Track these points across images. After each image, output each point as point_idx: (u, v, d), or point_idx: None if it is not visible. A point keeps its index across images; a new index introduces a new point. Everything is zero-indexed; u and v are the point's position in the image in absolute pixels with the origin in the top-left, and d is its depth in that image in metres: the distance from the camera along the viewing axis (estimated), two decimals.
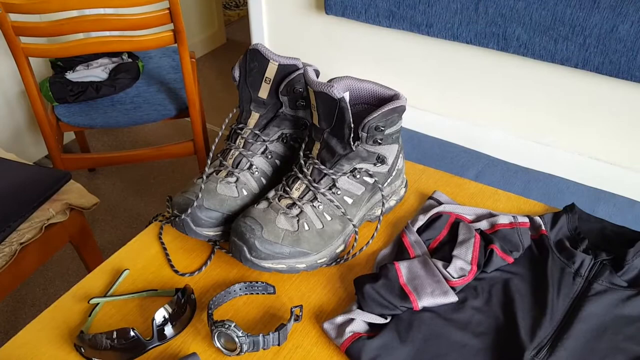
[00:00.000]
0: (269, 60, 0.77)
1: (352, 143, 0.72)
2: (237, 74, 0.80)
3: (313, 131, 0.76)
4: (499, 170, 1.19)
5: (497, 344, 0.66)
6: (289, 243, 0.71)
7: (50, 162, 2.17)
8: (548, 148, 1.32)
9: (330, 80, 0.75)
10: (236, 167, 0.80)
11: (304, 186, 0.74)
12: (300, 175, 0.75)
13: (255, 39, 1.64)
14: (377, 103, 0.77)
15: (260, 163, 0.81)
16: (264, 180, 0.81)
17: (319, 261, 0.74)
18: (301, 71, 0.78)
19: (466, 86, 1.37)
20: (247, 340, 0.63)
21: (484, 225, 0.80)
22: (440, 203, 0.85)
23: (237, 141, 0.81)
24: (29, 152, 2.18)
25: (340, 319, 0.68)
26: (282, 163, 0.83)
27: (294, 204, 0.74)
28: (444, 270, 0.70)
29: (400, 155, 0.81)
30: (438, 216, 0.81)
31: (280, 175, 0.83)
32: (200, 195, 0.76)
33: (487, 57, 1.30)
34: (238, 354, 0.64)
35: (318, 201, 0.74)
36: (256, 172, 0.80)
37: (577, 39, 1.11)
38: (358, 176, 0.75)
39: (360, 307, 0.68)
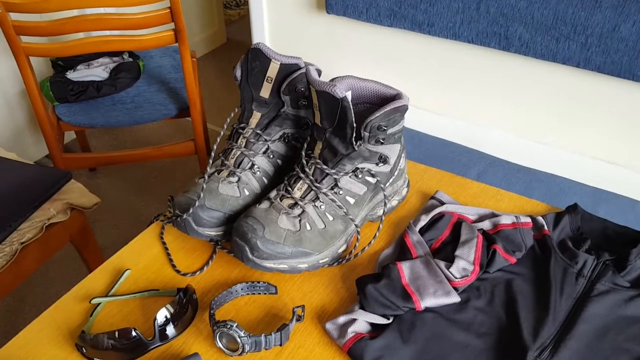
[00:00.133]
0: (270, 60, 0.77)
1: (354, 143, 0.72)
2: (238, 73, 0.80)
3: (315, 131, 0.76)
4: (500, 170, 1.19)
5: (500, 344, 0.65)
6: (291, 243, 0.71)
7: (50, 162, 2.17)
8: (550, 148, 1.32)
9: (332, 80, 0.75)
10: (238, 167, 0.80)
11: (305, 186, 0.74)
12: (302, 175, 0.75)
13: (256, 39, 1.64)
14: (380, 102, 0.77)
15: (262, 163, 0.80)
16: (265, 180, 0.81)
17: (321, 261, 0.74)
18: (303, 70, 0.78)
19: (468, 85, 1.37)
20: (249, 340, 0.63)
21: (486, 225, 0.79)
22: (442, 203, 0.85)
23: (239, 141, 0.81)
24: (30, 152, 2.18)
25: (342, 319, 0.67)
26: (283, 163, 0.83)
27: (295, 203, 0.73)
28: (446, 271, 0.70)
29: (403, 155, 0.81)
30: (440, 216, 0.80)
31: (282, 175, 0.83)
32: (202, 195, 0.76)
33: (489, 57, 1.30)
34: (240, 354, 0.64)
35: (320, 201, 0.73)
36: (258, 172, 0.80)
37: (579, 39, 1.11)
38: (360, 176, 0.75)
39: (362, 308, 0.68)
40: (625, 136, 1.22)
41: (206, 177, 0.78)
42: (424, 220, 0.80)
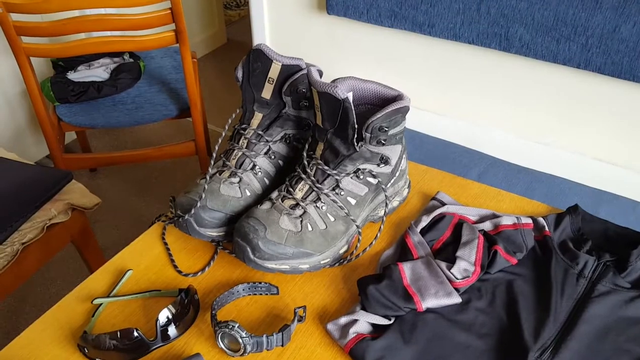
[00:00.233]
0: (272, 61, 0.77)
1: (355, 144, 0.72)
2: (240, 74, 0.80)
3: (316, 132, 0.76)
4: (501, 171, 1.19)
5: (501, 345, 0.65)
6: (293, 244, 0.71)
7: (51, 162, 2.17)
8: (550, 148, 1.32)
9: (333, 81, 0.75)
10: (239, 168, 0.80)
11: (307, 187, 0.74)
12: (303, 176, 0.75)
13: (256, 39, 1.64)
14: (381, 103, 0.77)
15: (264, 163, 0.81)
16: (267, 181, 0.81)
17: (322, 262, 0.74)
18: (304, 71, 0.78)
19: (468, 86, 1.37)
20: (250, 340, 0.63)
21: (487, 226, 0.79)
22: (443, 204, 0.85)
23: (240, 142, 0.81)
24: (31, 152, 2.18)
25: (343, 319, 0.67)
26: (285, 164, 0.83)
27: (297, 204, 0.73)
28: (447, 271, 0.70)
29: (404, 155, 0.81)
30: (441, 217, 0.80)
31: (284, 175, 0.83)
32: (203, 196, 0.76)
33: (489, 58, 1.30)
34: (242, 355, 0.64)
35: (321, 202, 0.73)
36: (259, 173, 0.80)
37: (580, 40, 1.11)
38: (361, 177, 0.75)
39: (363, 308, 0.68)
40: (625, 137, 1.22)
41: (208, 177, 0.78)
42: (425, 221, 0.80)
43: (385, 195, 0.78)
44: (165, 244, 0.81)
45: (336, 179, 0.74)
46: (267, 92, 0.79)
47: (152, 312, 0.71)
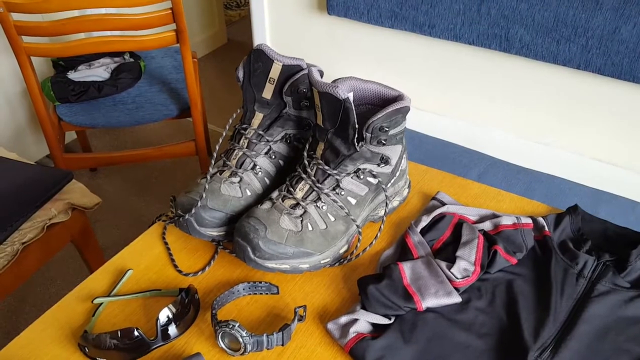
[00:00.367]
0: (273, 61, 0.77)
1: (356, 143, 0.72)
2: (241, 74, 0.80)
3: (317, 131, 0.76)
4: (501, 171, 1.19)
5: (501, 344, 0.66)
6: (293, 243, 0.71)
7: (51, 162, 2.17)
8: (550, 149, 1.32)
9: (334, 81, 0.75)
10: (240, 168, 0.80)
11: (307, 186, 0.75)
12: (304, 176, 0.75)
13: (257, 40, 1.64)
14: (381, 104, 0.77)
15: (264, 163, 0.81)
16: (267, 181, 0.81)
17: (322, 261, 0.74)
18: (305, 72, 0.78)
19: (468, 87, 1.37)
20: (251, 340, 0.63)
21: (487, 226, 0.80)
22: (443, 204, 0.85)
23: (241, 141, 0.81)
24: (31, 152, 2.18)
25: (344, 319, 0.68)
26: (285, 163, 0.83)
27: (297, 204, 0.74)
28: (447, 271, 0.70)
29: (404, 155, 0.81)
30: (441, 217, 0.81)
31: (284, 175, 0.83)
32: (204, 195, 0.76)
33: (490, 58, 1.30)
34: (242, 354, 0.64)
35: (322, 201, 0.74)
36: (260, 173, 0.80)
37: (580, 41, 1.11)
38: (362, 177, 0.75)
39: (364, 308, 0.68)
40: (625, 137, 1.23)
41: (208, 177, 0.78)
42: (425, 220, 0.80)
43: (386, 195, 0.78)
44: (166, 243, 0.81)
45: (336, 179, 0.74)
46: (267, 92, 0.79)
47: (152, 312, 0.71)
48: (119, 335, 0.64)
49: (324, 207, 0.74)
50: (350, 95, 0.69)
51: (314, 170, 0.75)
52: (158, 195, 2.06)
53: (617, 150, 1.25)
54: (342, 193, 0.74)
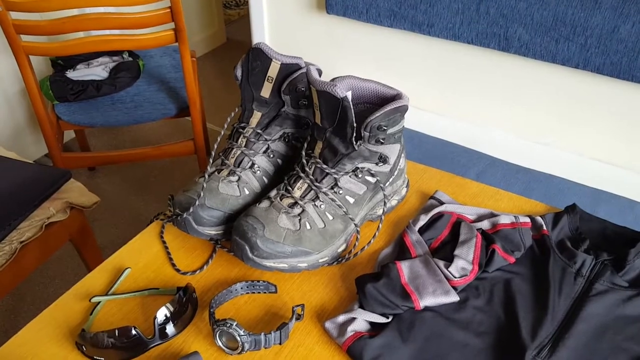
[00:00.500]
0: (271, 60, 0.77)
1: (354, 142, 0.72)
2: (239, 73, 0.80)
3: (315, 130, 0.76)
4: (500, 171, 1.19)
5: (499, 343, 0.66)
6: (291, 242, 0.71)
7: (50, 161, 2.17)
8: (549, 148, 1.32)
9: (333, 80, 0.75)
10: (238, 166, 0.80)
11: (305, 185, 0.74)
12: (302, 175, 0.75)
13: (256, 39, 1.64)
14: (380, 102, 0.77)
15: (262, 162, 0.81)
16: (265, 180, 0.81)
17: (320, 260, 0.74)
18: (303, 70, 0.78)
19: (467, 86, 1.37)
20: (248, 339, 0.63)
21: (485, 225, 0.80)
22: (441, 203, 0.85)
23: (239, 140, 0.81)
24: (29, 151, 2.18)
25: (341, 318, 0.68)
26: (284, 162, 0.83)
27: (295, 203, 0.74)
28: (445, 270, 0.70)
29: (402, 154, 0.81)
30: (439, 216, 0.81)
31: (282, 174, 0.83)
32: (202, 194, 0.76)
33: (488, 57, 1.30)
34: (239, 353, 0.64)
35: (320, 200, 0.74)
36: (258, 171, 0.80)
37: (578, 40, 1.11)
38: (360, 175, 0.75)
39: (361, 307, 0.68)
40: (624, 137, 1.23)
41: (206, 176, 0.78)
42: (423, 219, 0.80)
43: (384, 194, 0.78)
44: (164, 242, 0.81)
45: (335, 178, 0.74)
46: (266, 91, 0.79)
47: (150, 311, 0.71)
48: (117, 334, 0.64)
49: (322, 206, 0.74)
50: (349, 94, 0.69)
51: (312, 169, 0.75)
52: (157, 195, 2.06)
53: (615, 150, 1.25)
54: (341, 192, 0.74)
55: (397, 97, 0.75)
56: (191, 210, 0.76)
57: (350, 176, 0.75)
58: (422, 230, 0.79)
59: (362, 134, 0.72)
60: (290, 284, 0.75)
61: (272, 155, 0.81)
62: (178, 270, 0.77)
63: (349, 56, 1.52)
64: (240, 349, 0.64)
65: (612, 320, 0.68)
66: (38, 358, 0.66)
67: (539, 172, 1.20)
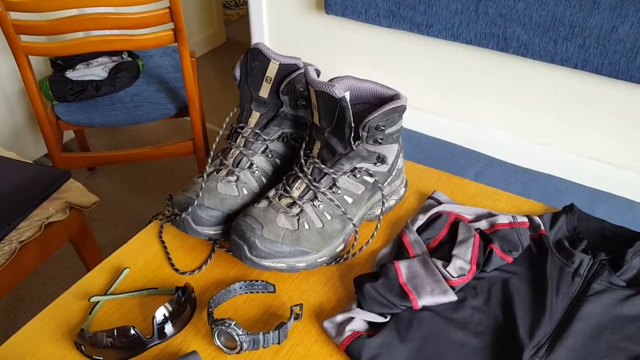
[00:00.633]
0: (270, 60, 0.77)
1: (352, 142, 0.72)
2: (238, 73, 0.80)
3: (314, 130, 0.76)
4: (498, 170, 1.19)
5: (496, 343, 0.66)
6: (289, 242, 0.71)
7: (49, 161, 2.17)
8: (547, 148, 1.32)
9: (331, 80, 0.75)
10: (237, 166, 0.80)
11: (304, 185, 0.75)
12: (300, 175, 0.75)
13: (255, 39, 1.64)
14: (378, 103, 0.77)
15: (261, 162, 0.81)
16: (264, 180, 0.81)
17: (319, 260, 0.74)
18: (302, 71, 0.78)
19: (466, 86, 1.37)
20: (247, 338, 0.64)
21: (483, 225, 0.80)
22: (439, 203, 0.85)
23: (238, 140, 0.81)
24: (29, 151, 2.18)
25: (340, 317, 0.68)
26: (282, 162, 0.83)
27: (294, 203, 0.74)
28: (443, 270, 0.70)
29: (401, 155, 0.82)
30: (438, 216, 0.81)
31: (281, 174, 0.83)
32: (200, 194, 0.77)
33: (487, 58, 1.30)
34: (238, 352, 0.64)
35: (318, 200, 0.74)
36: (256, 171, 0.80)
37: (577, 40, 1.12)
38: (358, 175, 0.75)
39: (360, 306, 0.69)
40: (622, 137, 1.23)
41: (205, 176, 0.78)
42: (421, 219, 0.80)
43: (382, 194, 0.78)
44: (163, 242, 0.81)
45: (333, 178, 0.74)
46: (264, 91, 0.80)
47: (149, 310, 0.72)
48: (115, 333, 0.64)
49: (321, 206, 0.74)
50: (347, 94, 0.69)
51: (310, 169, 0.75)
52: (156, 195, 2.06)
53: (614, 150, 1.26)
54: (339, 192, 0.75)
55: (395, 97, 0.75)
56: (190, 210, 0.76)
57: (348, 176, 0.75)
58: (420, 230, 0.79)
59: (360, 134, 0.72)
60: (289, 284, 0.75)
61: (270, 155, 0.81)
62: (177, 270, 0.77)
63: (348, 56, 1.52)
64: (239, 348, 0.64)
65: (609, 319, 0.68)
66: (37, 357, 0.66)
67: (537, 172, 1.20)
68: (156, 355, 0.66)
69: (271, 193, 0.76)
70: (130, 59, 1.82)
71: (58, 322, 0.70)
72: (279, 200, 0.74)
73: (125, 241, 0.83)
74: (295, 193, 0.74)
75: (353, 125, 0.71)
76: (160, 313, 0.66)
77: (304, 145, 0.78)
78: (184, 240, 0.82)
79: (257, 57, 0.78)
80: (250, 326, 0.70)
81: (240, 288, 0.73)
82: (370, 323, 0.68)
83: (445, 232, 0.79)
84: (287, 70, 0.78)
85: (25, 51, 1.42)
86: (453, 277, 0.70)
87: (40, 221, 1.20)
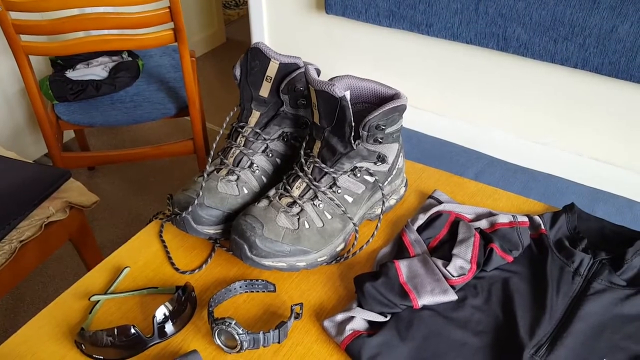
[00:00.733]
0: (270, 59, 0.77)
1: (352, 142, 0.72)
2: (238, 72, 0.80)
3: (314, 130, 0.76)
4: (498, 170, 1.19)
5: (497, 342, 0.66)
6: (290, 241, 0.71)
7: (50, 161, 2.17)
8: (547, 148, 1.32)
9: (331, 79, 0.75)
10: (237, 166, 0.80)
11: (304, 185, 0.75)
12: (300, 174, 0.75)
13: (255, 39, 1.64)
14: (378, 102, 0.77)
15: (261, 161, 0.81)
16: (264, 179, 0.81)
17: (319, 259, 0.74)
18: (302, 70, 0.78)
19: (466, 86, 1.37)
20: (247, 337, 0.64)
21: (483, 224, 0.80)
22: (440, 202, 0.85)
23: (238, 140, 0.81)
24: (29, 151, 2.18)
25: (340, 316, 0.68)
26: (282, 162, 0.83)
27: (294, 202, 0.74)
28: (443, 269, 0.70)
29: (401, 154, 0.82)
30: (438, 215, 0.81)
31: (281, 173, 0.83)
32: (201, 193, 0.77)
33: (487, 57, 1.30)
34: (238, 352, 0.64)
35: (318, 200, 0.74)
36: (257, 171, 0.80)
37: (577, 39, 1.12)
38: (358, 175, 0.75)
39: (360, 305, 0.69)
40: (622, 137, 1.23)
41: (205, 175, 0.79)
42: (421, 219, 0.80)
43: (382, 194, 0.78)
44: (163, 241, 0.81)
45: (333, 177, 0.74)
46: (264, 91, 0.80)
47: (149, 309, 0.72)
48: (116, 332, 0.64)
49: (321, 205, 0.74)
50: (347, 94, 0.69)
51: (310, 169, 0.75)
52: (156, 194, 2.06)
53: (614, 150, 1.26)
54: (339, 191, 0.75)
55: (395, 96, 0.75)
56: (190, 209, 0.76)
57: (348, 175, 0.75)
58: (420, 230, 0.79)
59: (361, 134, 0.72)
60: (289, 283, 0.75)
61: (270, 155, 0.81)
62: (177, 269, 0.77)
63: (348, 56, 1.52)
64: (239, 347, 0.64)
65: (610, 319, 0.68)
66: (37, 356, 0.66)
67: (537, 172, 1.20)
68: (156, 354, 0.66)
69: (271, 192, 0.76)
70: (130, 58, 1.82)
71: (58, 321, 0.70)
72: (279, 199, 0.74)
73: (125, 241, 0.83)
74: (296, 192, 0.74)
75: (353, 124, 0.71)
76: (161, 312, 0.66)
77: (304, 144, 0.78)
78: (184, 240, 0.82)
79: (258, 57, 0.78)
80: (250, 325, 0.70)
81: (240, 287, 0.73)
82: (370, 322, 0.68)
83: (446, 232, 0.79)
84: (288, 69, 0.78)
85: (25, 51, 1.42)
86: (453, 277, 0.70)
87: (41, 221, 1.20)
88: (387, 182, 0.80)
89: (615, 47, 1.08)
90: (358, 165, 0.75)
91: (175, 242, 0.81)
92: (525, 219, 0.80)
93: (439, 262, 0.71)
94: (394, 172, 0.81)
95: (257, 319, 0.70)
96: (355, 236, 0.77)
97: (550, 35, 1.14)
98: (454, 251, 0.73)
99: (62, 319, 0.70)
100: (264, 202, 0.74)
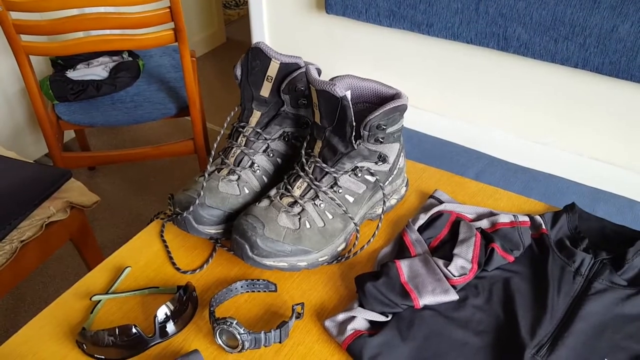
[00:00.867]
0: (270, 59, 0.77)
1: (353, 141, 0.72)
2: (239, 72, 0.80)
3: (315, 129, 0.76)
4: (499, 170, 1.19)
5: (498, 342, 0.66)
6: (291, 241, 0.71)
7: (50, 161, 2.17)
8: (548, 148, 1.32)
9: (332, 79, 0.75)
10: (238, 165, 0.80)
11: (305, 184, 0.75)
12: (301, 174, 0.75)
13: (255, 39, 1.64)
14: (379, 102, 0.77)
15: (262, 161, 0.81)
16: (265, 179, 0.81)
17: (320, 259, 0.74)
18: (303, 70, 0.78)
19: (466, 86, 1.37)
20: (248, 337, 0.64)
21: (484, 224, 0.80)
22: (441, 202, 0.85)
23: (239, 139, 0.81)
24: (29, 151, 2.18)
25: (341, 316, 0.68)
26: (283, 161, 0.83)
27: (295, 202, 0.74)
28: (444, 269, 0.70)
29: (402, 154, 0.82)
30: (439, 215, 0.81)
31: (282, 173, 0.83)
32: (202, 193, 0.77)
33: (488, 57, 1.30)
34: (239, 351, 0.64)
35: (319, 199, 0.74)
36: (258, 170, 0.80)
37: (577, 39, 1.12)
38: (359, 175, 0.75)
39: (361, 305, 0.69)
40: (623, 136, 1.23)
41: (206, 175, 0.79)
42: (422, 218, 0.80)
43: (383, 193, 0.78)
44: (164, 241, 0.81)
45: (334, 177, 0.74)
46: (265, 90, 0.80)
47: (150, 309, 0.72)
48: (117, 332, 0.64)
49: (322, 205, 0.74)
50: (348, 94, 0.69)
51: (311, 168, 0.75)
52: (157, 194, 2.06)
53: (614, 149, 1.26)
54: (340, 191, 0.75)
55: (396, 96, 0.75)
56: (191, 209, 0.76)
57: (349, 175, 0.75)
58: (421, 229, 0.79)
59: (362, 133, 0.72)
60: (290, 283, 0.75)
61: (271, 155, 0.81)
62: (178, 269, 0.77)
63: (349, 56, 1.52)
64: (240, 347, 0.64)
65: (611, 319, 0.68)
66: (38, 356, 0.66)
67: (538, 172, 1.20)
68: (158, 354, 0.66)
69: (272, 192, 0.76)
70: (130, 58, 1.82)
71: (59, 321, 0.70)
72: (280, 199, 0.74)
73: (125, 241, 0.83)
74: (297, 192, 0.74)
75: (354, 124, 0.71)
76: (162, 312, 0.66)
77: (305, 144, 0.78)
78: (186, 240, 0.82)
79: (258, 56, 0.78)
80: (251, 325, 0.70)
81: (241, 287, 0.73)
82: (371, 322, 0.68)
83: (447, 231, 0.79)
84: (288, 69, 0.78)
85: (25, 51, 1.42)
86: (454, 276, 0.70)
87: (41, 220, 1.20)
88: (388, 182, 0.80)
89: (616, 46, 1.08)
90: (359, 165, 0.75)
91: (176, 242, 0.81)
92: (526, 218, 0.80)
93: (440, 262, 0.71)
94: (395, 172, 0.81)
95: (258, 319, 0.70)
96: (356, 236, 0.77)
97: (551, 35, 1.14)
98: (455, 251, 0.73)
99: (63, 319, 0.70)
100: (265, 202, 0.74)
